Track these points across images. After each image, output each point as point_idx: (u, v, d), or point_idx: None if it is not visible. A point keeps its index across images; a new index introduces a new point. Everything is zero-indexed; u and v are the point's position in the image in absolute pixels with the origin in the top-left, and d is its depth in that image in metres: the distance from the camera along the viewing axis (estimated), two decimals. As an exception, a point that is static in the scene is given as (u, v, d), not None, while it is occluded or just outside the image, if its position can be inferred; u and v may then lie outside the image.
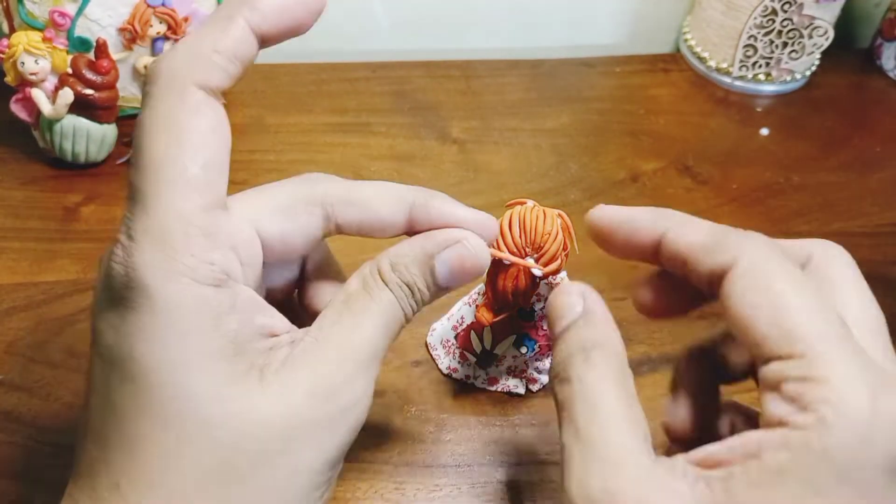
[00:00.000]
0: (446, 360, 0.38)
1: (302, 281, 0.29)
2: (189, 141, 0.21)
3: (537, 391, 0.38)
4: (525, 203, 0.32)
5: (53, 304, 0.40)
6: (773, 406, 0.20)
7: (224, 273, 0.22)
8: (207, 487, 0.21)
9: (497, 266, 0.32)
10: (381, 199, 0.26)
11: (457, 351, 0.38)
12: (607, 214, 0.26)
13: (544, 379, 0.38)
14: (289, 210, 0.25)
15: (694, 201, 0.49)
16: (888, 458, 0.19)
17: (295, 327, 0.25)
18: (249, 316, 0.23)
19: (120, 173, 0.48)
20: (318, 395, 0.23)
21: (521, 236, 0.31)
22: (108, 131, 0.47)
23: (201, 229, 0.22)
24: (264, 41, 0.23)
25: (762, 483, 0.20)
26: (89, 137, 0.46)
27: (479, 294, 0.37)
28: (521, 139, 0.53)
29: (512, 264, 0.31)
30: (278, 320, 0.24)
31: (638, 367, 0.39)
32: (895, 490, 0.19)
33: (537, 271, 0.31)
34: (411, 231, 0.27)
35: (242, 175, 0.48)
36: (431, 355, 0.39)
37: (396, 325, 0.26)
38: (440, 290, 0.26)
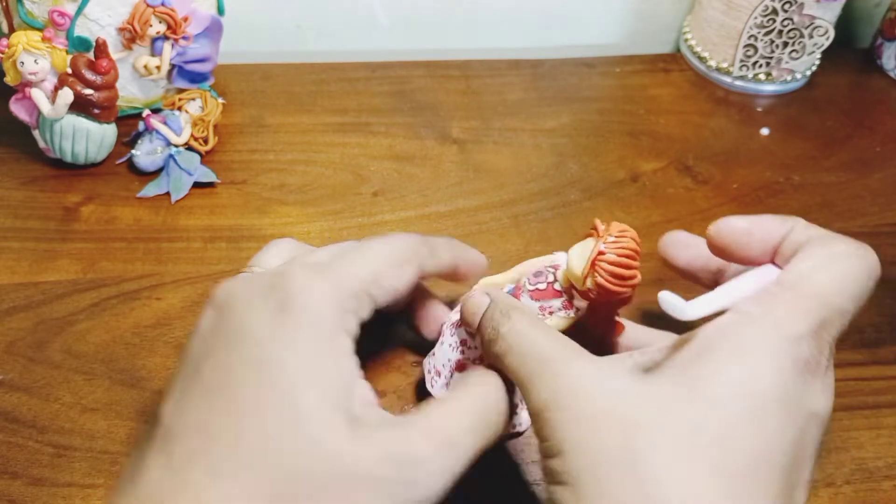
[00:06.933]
0: None
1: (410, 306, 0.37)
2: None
3: None
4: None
5: (53, 304, 0.40)
6: None
7: (355, 334, 0.28)
8: (284, 488, 0.24)
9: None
10: (453, 251, 0.34)
11: None
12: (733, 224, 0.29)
13: None
14: (400, 267, 0.31)
15: (694, 201, 0.49)
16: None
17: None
18: (358, 377, 0.28)
19: (120, 173, 0.48)
20: (393, 462, 0.25)
21: (618, 284, 0.30)
22: (108, 131, 0.47)
23: (356, 298, 0.29)
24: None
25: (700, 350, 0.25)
26: (89, 137, 0.46)
27: (463, 347, 0.34)
28: (521, 139, 0.53)
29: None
30: (367, 391, 0.29)
31: (638, 367, 0.39)
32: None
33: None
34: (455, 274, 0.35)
35: (242, 175, 0.48)
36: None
37: (485, 428, 0.29)
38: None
